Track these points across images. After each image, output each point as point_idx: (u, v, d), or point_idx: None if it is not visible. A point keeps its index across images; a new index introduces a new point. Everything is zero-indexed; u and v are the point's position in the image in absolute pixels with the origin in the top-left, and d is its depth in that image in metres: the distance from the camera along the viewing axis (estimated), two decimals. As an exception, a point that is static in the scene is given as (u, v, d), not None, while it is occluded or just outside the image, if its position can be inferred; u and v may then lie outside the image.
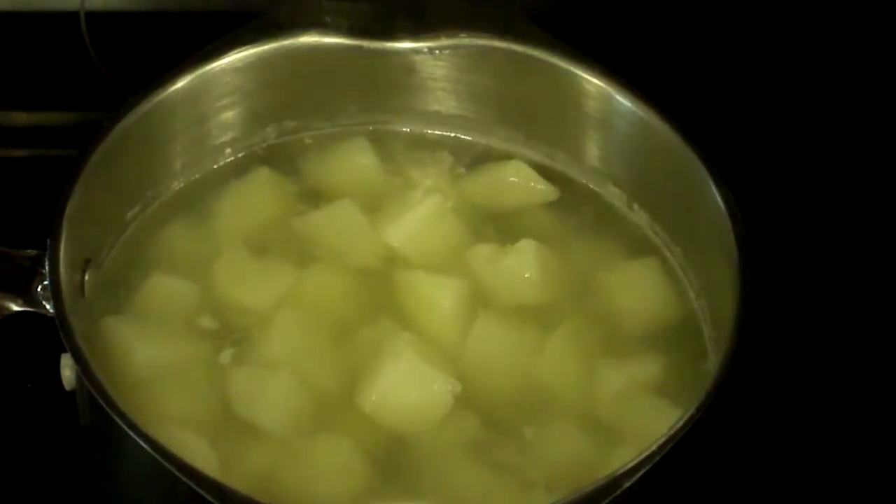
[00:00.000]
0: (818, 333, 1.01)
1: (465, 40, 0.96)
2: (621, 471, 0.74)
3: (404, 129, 1.00)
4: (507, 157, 0.99)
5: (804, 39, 1.20)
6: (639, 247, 0.95)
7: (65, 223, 0.83)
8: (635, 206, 0.96)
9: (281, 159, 0.98)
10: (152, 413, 0.81)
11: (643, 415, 0.85)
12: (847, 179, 1.12)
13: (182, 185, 0.96)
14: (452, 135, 1.00)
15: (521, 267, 0.91)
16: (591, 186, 0.98)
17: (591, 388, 0.87)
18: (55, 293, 0.80)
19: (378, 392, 0.84)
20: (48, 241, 0.82)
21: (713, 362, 0.85)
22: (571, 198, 0.97)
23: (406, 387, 0.84)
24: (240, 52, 0.94)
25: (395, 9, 0.96)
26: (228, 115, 0.97)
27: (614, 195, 0.97)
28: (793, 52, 1.20)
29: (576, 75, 0.95)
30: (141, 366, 0.85)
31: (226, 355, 0.87)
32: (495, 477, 0.83)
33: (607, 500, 0.74)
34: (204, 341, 0.87)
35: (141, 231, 0.93)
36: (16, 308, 0.84)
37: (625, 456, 0.76)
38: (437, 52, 0.97)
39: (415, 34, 0.96)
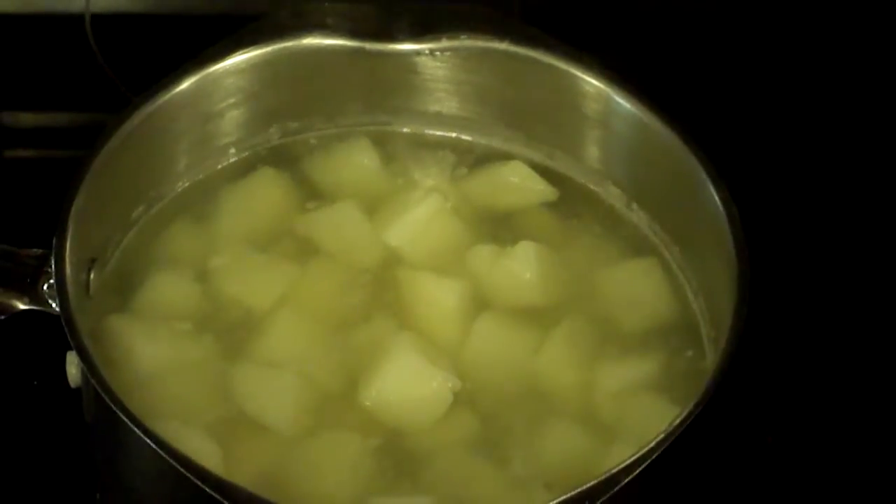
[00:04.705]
0: (816, 332, 1.01)
1: (465, 42, 0.96)
2: (619, 468, 0.74)
3: (405, 130, 1.01)
4: (507, 157, 0.99)
5: (804, 39, 1.20)
6: (638, 247, 0.95)
7: (70, 223, 0.83)
8: (634, 207, 0.96)
9: (284, 160, 0.98)
10: (157, 410, 0.81)
11: (641, 413, 0.85)
12: (846, 179, 1.12)
13: (186, 185, 0.96)
14: (453, 135, 1.01)
15: (520, 268, 0.91)
16: (591, 187, 0.98)
17: (589, 387, 0.87)
18: (61, 292, 0.80)
19: (378, 389, 0.85)
20: (54, 241, 0.83)
21: (711, 361, 0.85)
22: (571, 198, 0.97)
23: (406, 384, 0.85)
24: (243, 53, 0.95)
25: (396, 11, 0.97)
26: (232, 116, 0.97)
27: (613, 195, 0.97)
28: (793, 52, 1.20)
29: (575, 76, 0.95)
30: (145, 363, 0.85)
31: (230, 353, 0.87)
32: (495, 474, 0.83)
33: (605, 497, 0.74)
34: (208, 339, 0.88)
35: (145, 230, 0.94)
36: (22, 306, 0.85)
37: (623, 453, 0.76)
38: (438, 53, 0.97)
39: (416, 36, 0.96)
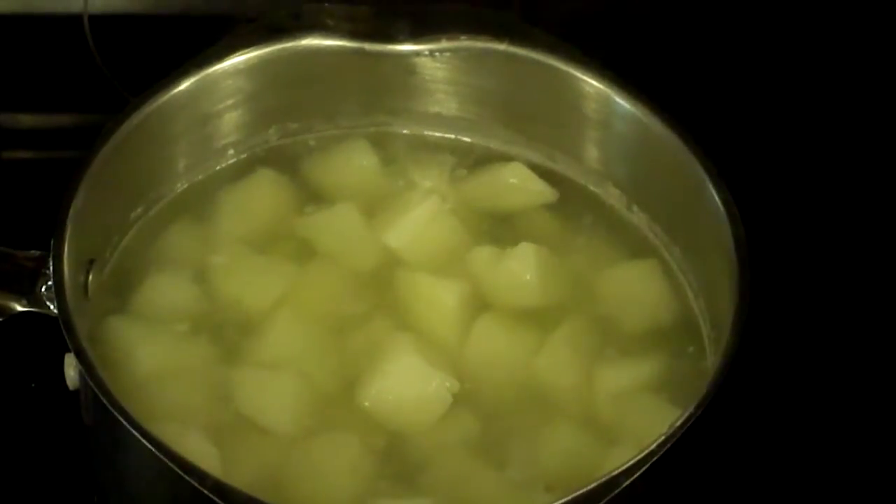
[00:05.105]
0: (817, 333, 1.01)
1: (465, 43, 0.96)
2: (620, 470, 0.74)
3: (405, 131, 1.01)
4: (507, 158, 0.99)
5: (804, 39, 1.20)
6: (638, 248, 0.95)
7: (69, 224, 0.83)
8: (634, 208, 0.96)
9: (283, 161, 0.98)
10: (155, 412, 0.81)
11: (642, 414, 0.85)
12: (847, 179, 1.12)
13: (185, 186, 0.96)
14: (453, 136, 1.01)
15: (521, 269, 0.91)
16: (591, 188, 0.98)
17: (590, 388, 0.87)
18: (59, 293, 0.80)
19: (377, 390, 0.85)
20: (52, 242, 0.82)
21: (712, 362, 0.85)
22: (571, 199, 0.98)
23: (404, 384, 0.85)
24: (242, 54, 0.95)
25: (395, 12, 0.97)
26: (231, 117, 0.97)
27: (614, 196, 0.97)
28: (793, 52, 1.20)
29: (575, 77, 0.95)
30: (144, 365, 0.85)
31: (228, 355, 0.87)
32: (495, 476, 0.83)
33: (606, 499, 0.74)
34: (206, 341, 0.88)
35: (144, 232, 0.94)
36: (20, 308, 0.85)
37: (624, 455, 0.76)
38: (437, 54, 0.97)
39: (415, 37, 0.96)
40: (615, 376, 0.88)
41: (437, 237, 0.94)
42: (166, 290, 0.90)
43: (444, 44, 0.97)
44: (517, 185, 0.98)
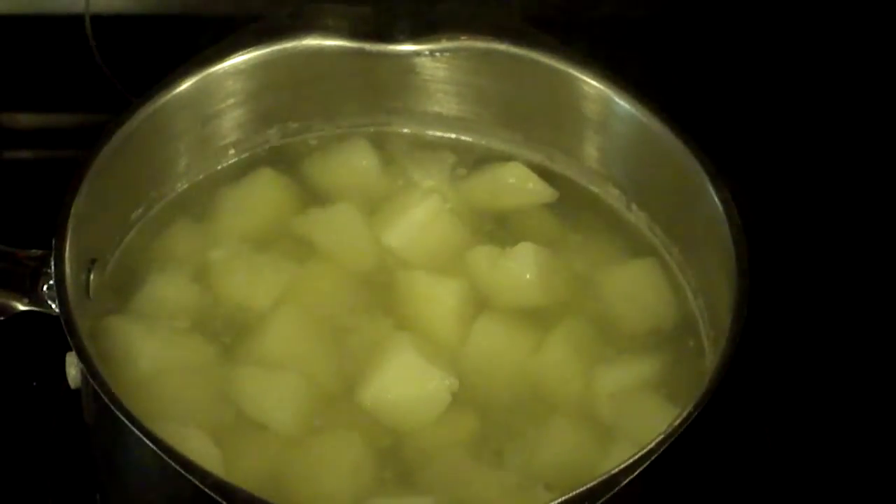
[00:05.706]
0: (816, 333, 1.01)
1: (465, 43, 0.97)
2: (619, 468, 0.74)
3: (405, 131, 1.01)
4: (506, 158, 0.99)
5: (804, 39, 1.20)
6: (637, 247, 0.95)
7: (70, 224, 0.83)
8: (634, 208, 0.97)
9: (283, 160, 0.99)
10: (156, 411, 0.81)
11: (641, 413, 0.85)
12: (846, 179, 1.12)
13: (186, 185, 0.97)
14: (453, 136, 1.01)
15: (520, 269, 0.92)
16: (591, 188, 0.98)
17: (589, 387, 0.87)
18: (60, 293, 0.80)
19: (376, 388, 0.85)
20: (53, 242, 0.83)
21: (711, 361, 0.85)
22: (570, 199, 0.98)
23: (403, 383, 0.85)
24: (243, 54, 0.95)
25: (396, 12, 0.97)
26: (232, 117, 0.97)
27: (613, 196, 0.97)
28: (793, 52, 1.20)
29: (575, 77, 0.95)
30: (145, 364, 0.85)
31: (229, 353, 0.88)
32: (494, 475, 0.83)
33: (605, 498, 0.74)
34: (207, 340, 0.88)
35: (145, 231, 0.94)
36: (22, 307, 0.85)
37: (623, 454, 0.76)
38: (437, 54, 0.97)
39: (415, 37, 0.96)
40: (614, 375, 0.88)
41: (436, 237, 0.94)
42: (167, 290, 0.90)
43: (444, 44, 0.97)
44: (517, 184, 0.98)
